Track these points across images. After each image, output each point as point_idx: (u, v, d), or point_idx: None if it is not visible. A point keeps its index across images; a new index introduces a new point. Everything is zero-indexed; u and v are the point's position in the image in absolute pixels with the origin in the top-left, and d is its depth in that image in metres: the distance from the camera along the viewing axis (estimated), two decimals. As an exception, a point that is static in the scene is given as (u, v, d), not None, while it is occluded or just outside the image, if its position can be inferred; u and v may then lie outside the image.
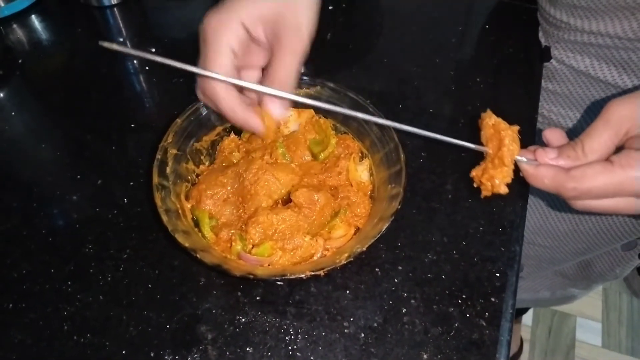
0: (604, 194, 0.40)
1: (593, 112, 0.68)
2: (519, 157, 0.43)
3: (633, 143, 0.39)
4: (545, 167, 0.42)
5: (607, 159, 0.39)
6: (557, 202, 0.78)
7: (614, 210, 0.41)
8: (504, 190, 0.44)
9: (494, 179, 0.44)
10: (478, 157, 0.46)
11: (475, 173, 0.46)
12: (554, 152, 0.42)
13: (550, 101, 0.72)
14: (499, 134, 0.43)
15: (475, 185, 0.46)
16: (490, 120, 0.44)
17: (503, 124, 0.44)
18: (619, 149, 0.40)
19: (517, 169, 0.43)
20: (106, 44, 0.40)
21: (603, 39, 0.60)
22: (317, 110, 0.60)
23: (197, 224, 0.52)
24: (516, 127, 0.44)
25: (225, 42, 0.44)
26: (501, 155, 0.43)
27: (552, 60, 0.69)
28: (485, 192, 0.45)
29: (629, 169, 0.38)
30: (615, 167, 0.38)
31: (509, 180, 0.44)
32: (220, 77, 0.44)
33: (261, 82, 0.48)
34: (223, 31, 0.44)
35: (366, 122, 0.56)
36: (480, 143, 0.45)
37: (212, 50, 0.44)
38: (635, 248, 0.80)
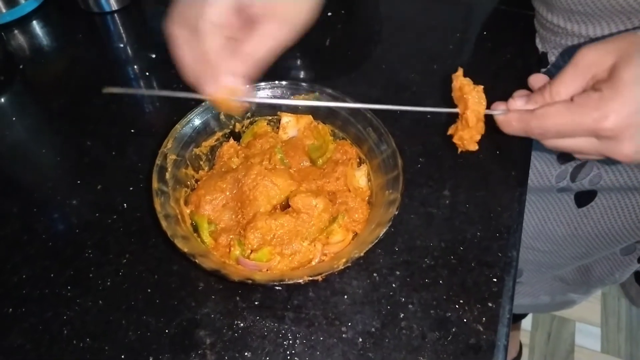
0: (565, 132, 0.42)
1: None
2: (489, 111, 0.46)
3: (597, 85, 0.41)
4: (514, 112, 0.45)
5: (570, 99, 0.42)
6: (555, 205, 0.78)
7: (577, 148, 0.44)
8: (473, 147, 0.48)
9: (463, 139, 0.48)
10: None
11: (450, 132, 0.50)
12: (523, 99, 0.45)
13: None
14: (464, 96, 0.46)
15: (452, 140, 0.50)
16: (457, 82, 0.47)
17: (467, 86, 0.46)
18: None
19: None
20: (110, 90, 0.42)
21: (600, 44, 0.60)
22: (316, 116, 0.60)
23: (196, 229, 0.52)
24: (480, 87, 0.46)
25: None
26: (466, 117, 0.46)
27: (549, 66, 0.70)
28: (460, 149, 0.50)
29: (585, 108, 0.40)
30: (574, 106, 0.41)
31: (477, 138, 0.48)
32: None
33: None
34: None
35: (364, 128, 0.56)
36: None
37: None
38: (634, 252, 0.80)
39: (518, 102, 0.45)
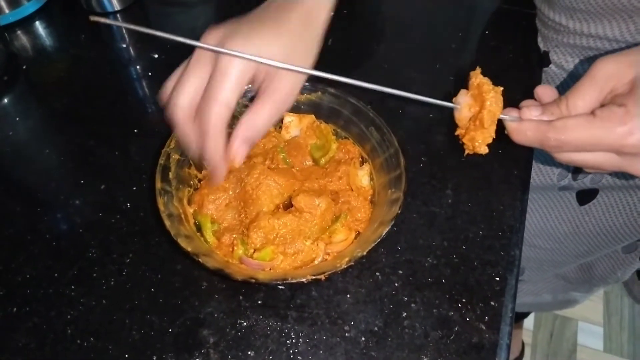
0: (584, 147, 0.40)
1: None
2: (502, 116, 0.43)
3: (617, 100, 0.39)
4: (528, 121, 0.42)
5: (591, 112, 0.40)
6: (557, 203, 0.78)
7: (594, 164, 0.42)
8: (483, 150, 0.45)
9: (474, 140, 0.45)
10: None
11: (459, 132, 0.47)
12: (538, 109, 0.43)
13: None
14: (482, 95, 0.44)
15: (460, 142, 0.47)
16: (475, 80, 0.45)
17: (487, 85, 0.44)
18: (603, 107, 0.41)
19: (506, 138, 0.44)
20: (96, 18, 0.40)
21: (602, 43, 0.60)
22: (318, 115, 0.60)
23: (199, 228, 0.52)
24: (500, 88, 0.44)
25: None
26: (481, 118, 0.44)
27: (551, 65, 0.70)
28: (468, 151, 0.46)
29: (609, 123, 0.38)
30: (597, 120, 0.39)
31: (489, 140, 0.45)
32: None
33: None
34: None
35: (367, 127, 0.56)
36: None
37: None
38: (636, 250, 0.80)
39: (533, 111, 0.43)
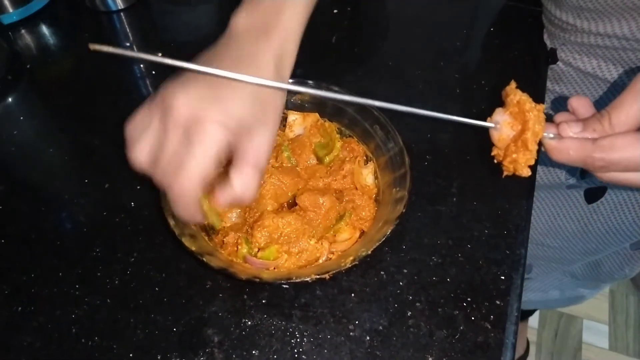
0: (635, 167, 0.38)
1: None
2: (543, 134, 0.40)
3: None
4: (570, 139, 0.40)
5: (639, 130, 0.38)
6: (565, 201, 0.78)
7: None
8: (526, 172, 0.42)
9: (516, 162, 0.42)
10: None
11: (495, 152, 0.44)
12: (579, 125, 0.40)
13: (557, 103, 0.72)
14: (523, 115, 0.41)
15: (495, 161, 0.44)
16: (515, 97, 0.42)
17: (528, 104, 0.41)
18: None
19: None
20: (97, 47, 0.38)
21: (610, 41, 0.60)
22: (322, 114, 0.60)
23: (204, 228, 0.52)
24: (542, 106, 0.41)
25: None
26: (525, 140, 0.40)
27: (558, 63, 0.69)
28: (507, 173, 0.43)
29: None
30: None
31: (532, 162, 0.42)
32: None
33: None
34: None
35: (371, 125, 0.56)
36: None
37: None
38: (644, 247, 0.80)
39: (574, 128, 0.40)
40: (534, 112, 0.40)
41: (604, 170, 0.40)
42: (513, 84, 0.43)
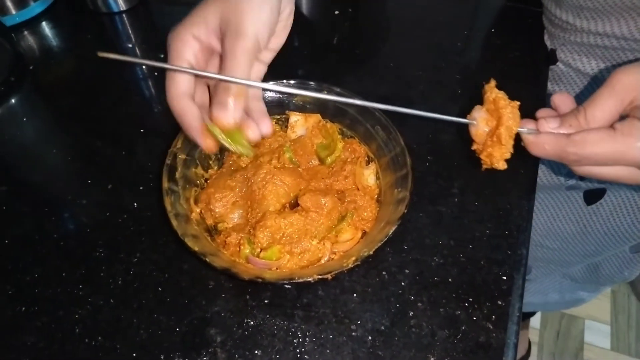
0: (605, 161, 0.40)
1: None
2: (519, 129, 0.42)
3: (637, 112, 0.38)
4: (546, 134, 0.42)
5: (611, 126, 0.39)
6: (564, 203, 0.78)
7: (614, 178, 0.41)
8: (502, 165, 0.44)
9: (492, 156, 0.44)
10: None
11: (475, 147, 0.46)
12: (556, 121, 0.42)
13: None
14: (498, 111, 0.43)
15: (476, 155, 0.46)
16: (491, 95, 0.44)
17: (503, 100, 0.43)
18: (622, 118, 0.39)
19: (517, 144, 0.43)
20: (104, 54, 0.39)
21: (609, 41, 0.60)
22: (324, 115, 0.60)
23: (207, 229, 0.52)
24: (516, 103, 0.43)
25: (183, 58, 0.42)
26: (498, 134, 0.43)
27: (558, 63, 0.69)
28: (485, 166, 0.46)
29: (630, 138, 0.38)
30: (618, 135, 0.38)
31: (507, 156, 0.44)
32: (235, 80, 0.40)
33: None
34: (180, 47, 0.42)
35: (373, 126, 0.56)
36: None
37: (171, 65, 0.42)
38: (643, 250, 0.80)
39: (551, 123, 0.42)
40: (509, 108, 0.42)
41: (577, 164, 0.41)
42: (492, 82, 0.45)
